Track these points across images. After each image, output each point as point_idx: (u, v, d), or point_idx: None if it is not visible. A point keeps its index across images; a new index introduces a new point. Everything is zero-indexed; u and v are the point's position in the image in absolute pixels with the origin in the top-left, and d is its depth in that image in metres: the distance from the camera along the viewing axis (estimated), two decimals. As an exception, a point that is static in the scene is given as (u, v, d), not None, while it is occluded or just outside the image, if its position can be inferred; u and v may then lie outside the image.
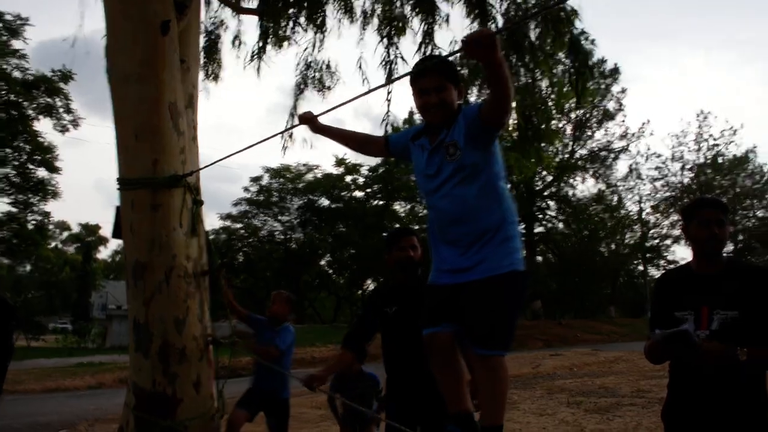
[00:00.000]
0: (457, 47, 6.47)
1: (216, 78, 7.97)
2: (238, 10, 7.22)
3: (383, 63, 6.58)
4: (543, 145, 8.36)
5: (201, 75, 6.47)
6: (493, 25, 6.50)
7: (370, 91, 3.28)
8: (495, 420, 2.55)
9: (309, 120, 3.24)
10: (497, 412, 2.56)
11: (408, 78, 2.77)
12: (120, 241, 4.47)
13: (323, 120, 3.27)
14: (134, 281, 4.08)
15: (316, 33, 7.18)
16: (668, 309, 2.89)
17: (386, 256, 3.90)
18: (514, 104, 2.56)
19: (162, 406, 4.03)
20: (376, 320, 3.91)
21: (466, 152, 2.61)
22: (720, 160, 41.06)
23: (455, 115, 2.68)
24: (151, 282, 4.02)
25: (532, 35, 6.66)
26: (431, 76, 2.68)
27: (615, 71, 38.30)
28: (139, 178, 4.01)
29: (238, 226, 44.13)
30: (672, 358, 2.85)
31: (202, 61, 6.72)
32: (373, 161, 40.39)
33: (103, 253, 62.44)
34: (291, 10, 6.79)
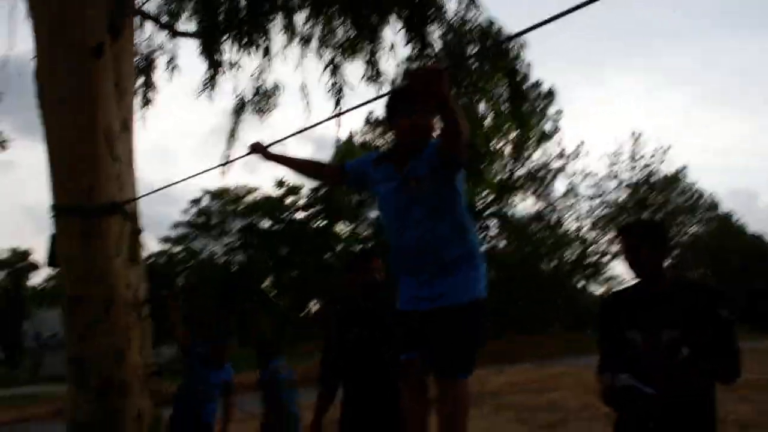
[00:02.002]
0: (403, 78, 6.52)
1: (149, 102, 7.80)
2: (175, 33, 7.09)
3: (330, 90, 6.56)
4: (484, 166, 8.46)
5: (136, 99, 6.34)
6: (429, 50, 6.55)
7: (324, 120, 3.27)
8: None
9: (260, 150, 3.18)
10: None
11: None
12: (55, 269, 4.30)
13: (272, 148, 3.21)
14: (71, 311, 3.92)
15: (264, 57, 7.12)
16: (617, 329, 2.92)
17: (349, 278, 3.82)
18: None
19: (101, 443, 3.87)
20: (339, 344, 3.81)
21: (431, 186, 2.59)
22: (653, 178, 42.49)
23: (423, 148, 2.65)
24: (88, 313, 3.86)
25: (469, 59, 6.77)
26: (420, 98, 2.57)
27: (550, 93, 39.34)
28: (73, 206, 3.85)
29: (178, 249, 43.25)
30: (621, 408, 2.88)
31: (136, 85, 6.56)
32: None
33: (34, 280, 60.09)
34: (230, 34, 6.70)
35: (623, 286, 3.25)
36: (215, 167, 3.86)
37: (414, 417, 2.73)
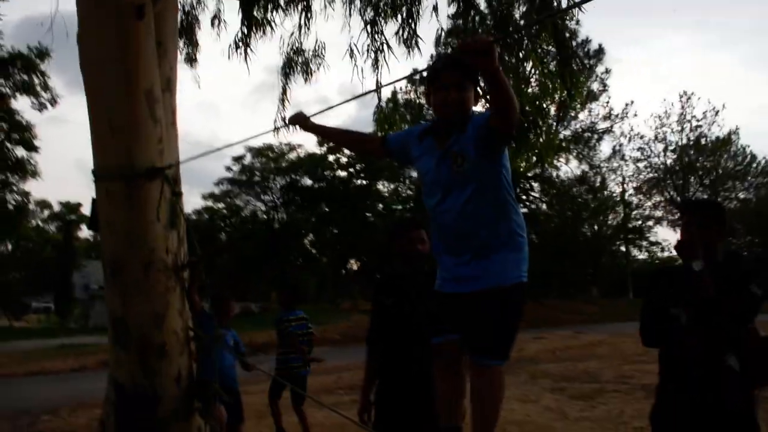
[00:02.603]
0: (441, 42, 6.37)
1: (193, 61, 7.78)
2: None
3: (368, 51, 6.43)
4: (529, 130, 8.28)
5: (180, 56, 6.32)
6: (473, 11, 6.38)
7: (363, 94, 3.20)
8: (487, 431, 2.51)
9: (301, 121, 3.13)
10: (490, 425, 2.52)
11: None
12: (95, 232, 4.35)
13: (314, 119, 3.15)
14: (112, 275, 3.97)
15: (301, 15, 7.01)
16: (663, 304, 2.92)
17: (390, 245, 3.76)
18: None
19: (143, 402, 3.95)
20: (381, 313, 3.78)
21: (475, 163, 2.50)
22: (703, 141, 41.27)
23: (466, 122, 2.56)
24: (128, 276, 3.91)
25: (517, 14, 6.58)
26: (453, 72, 2.55)
27: (599, 51, 38.28)
28: (114, 170, 3.86)
29: (221, 205, 43.89)
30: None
31: (180, 43, 6.53)
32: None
33: (85, 232, 61.74)
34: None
35: (674, 264, 3.20)
36: (258, 135, 3.85)
37: (446, 399, 2.70)
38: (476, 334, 2.50)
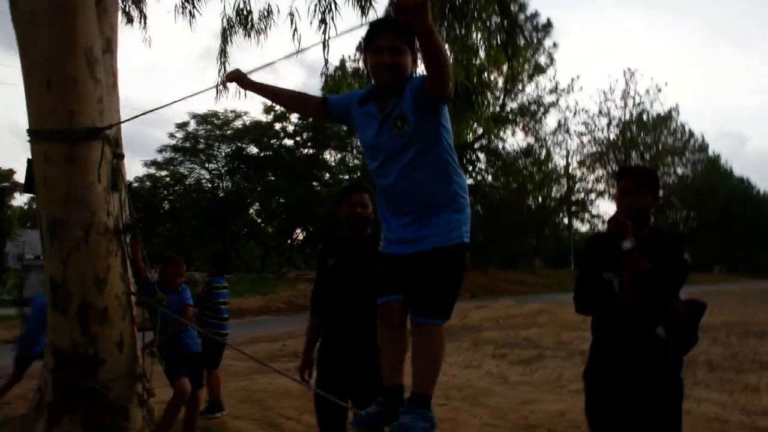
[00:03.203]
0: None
1: (140, 21, 7.55)
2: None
3: (317, 12, 6.34)
4: (475, 99, 8.34)
5: (121, 17, 6.13)
6: None
7: (311, 46, 3.16)
8: (427, 389, 2.57)
9: (237, 78, 3.08)
10: (430, 381, 2.58)
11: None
12: (32, 195, 4.22)
13: (254, 76, 3.10)
14: (50, 238, 3.86)
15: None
16: (596, 269, 3.06)
17: (338, 209, 3.87)
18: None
19: (82, 368, 3.88)
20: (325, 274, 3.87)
21: (415, 126, 2.51)
22: (645, 117, 42.33)
23: (404, 86, 2.56)
24: (68, 239, 3.81)
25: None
26: (387, 35, 2.54)
27: (548, 25, 38.67)
28: (52, 131, 3.73)
29: (164, 173, 42.91)
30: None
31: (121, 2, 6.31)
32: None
33: (19, 200, 59.55)
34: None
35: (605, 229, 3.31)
36: (194, 94, 3.72)
37: (389, 356, 2.75)
38: (419, 295, 2.55)
